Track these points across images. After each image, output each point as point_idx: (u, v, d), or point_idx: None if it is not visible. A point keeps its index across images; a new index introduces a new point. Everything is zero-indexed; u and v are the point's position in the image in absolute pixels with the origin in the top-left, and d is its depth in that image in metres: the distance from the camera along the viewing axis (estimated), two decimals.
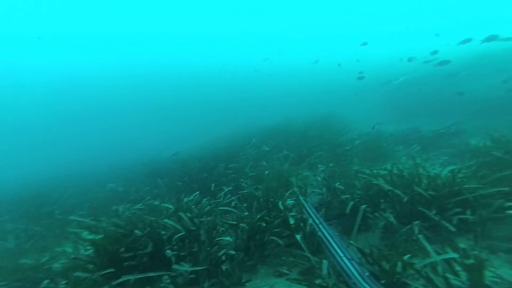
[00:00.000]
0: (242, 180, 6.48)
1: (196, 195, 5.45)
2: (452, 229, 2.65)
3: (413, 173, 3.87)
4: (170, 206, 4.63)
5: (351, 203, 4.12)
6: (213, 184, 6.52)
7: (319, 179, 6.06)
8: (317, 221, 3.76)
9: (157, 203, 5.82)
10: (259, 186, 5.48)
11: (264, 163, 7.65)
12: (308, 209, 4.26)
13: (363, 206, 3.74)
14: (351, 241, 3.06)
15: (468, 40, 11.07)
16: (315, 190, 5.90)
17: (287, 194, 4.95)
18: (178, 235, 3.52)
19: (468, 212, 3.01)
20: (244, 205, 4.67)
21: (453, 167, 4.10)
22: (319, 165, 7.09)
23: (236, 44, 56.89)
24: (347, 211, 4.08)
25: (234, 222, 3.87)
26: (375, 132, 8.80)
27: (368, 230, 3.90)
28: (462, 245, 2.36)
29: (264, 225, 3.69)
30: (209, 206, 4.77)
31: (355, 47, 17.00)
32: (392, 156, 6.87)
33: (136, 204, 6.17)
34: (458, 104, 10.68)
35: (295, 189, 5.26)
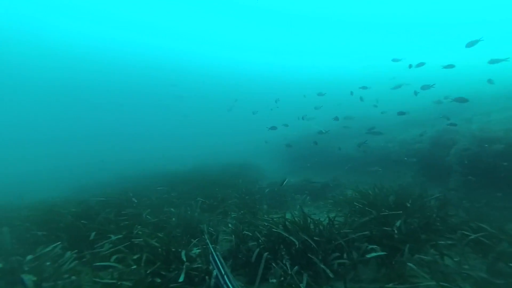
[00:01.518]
0: (138, 227, 5.22)
1: (56, 246, 3.93)
2: (331, 275, 2.81)
3: (304, 221, 4.16)
4: None
5: (257, 250, 3.97)
6: (93, 233, 4.87)
7: (230, 225, 5.79)
8: (223, 272, 3.36)
9: None
10: (160, 234, 4.60)
11: (171, 209, 6.72)
12: (216, 258, 3.83)
13: (265, 254, 3.64)
14: None
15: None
16: (226, 237, 5.55)
17: (194, 242, 4.39)
18: None
19: (345, 255, 3.32)
20: (134, 257, 3.64)
21: (333, 214, 4.67)
22: (232, 213, 6.87)
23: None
24: (253, 259, 3.89)
25: (113, 281, 2.97)
26: (280, 182, 9.47)
27: (270, 278, 3.75)
28: None
29: (159, 280, 2.99)
30: (75, 261, 3.59)
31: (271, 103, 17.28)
32: (293, 204, 7.41)
33: None
34: (337, 160, 12.83)
35: (206, 236, 4.76)
